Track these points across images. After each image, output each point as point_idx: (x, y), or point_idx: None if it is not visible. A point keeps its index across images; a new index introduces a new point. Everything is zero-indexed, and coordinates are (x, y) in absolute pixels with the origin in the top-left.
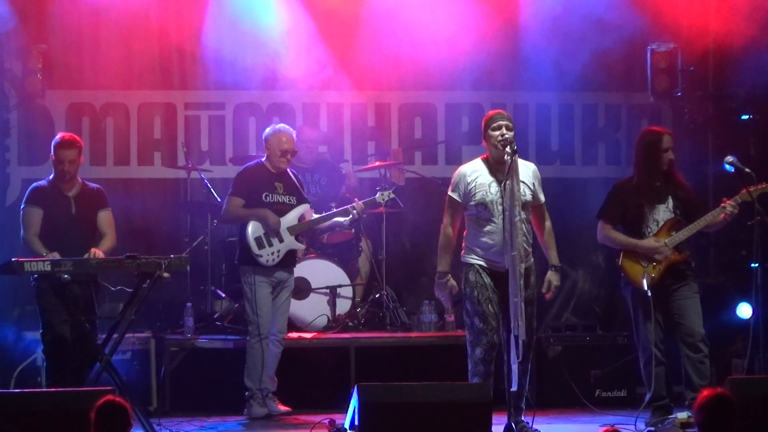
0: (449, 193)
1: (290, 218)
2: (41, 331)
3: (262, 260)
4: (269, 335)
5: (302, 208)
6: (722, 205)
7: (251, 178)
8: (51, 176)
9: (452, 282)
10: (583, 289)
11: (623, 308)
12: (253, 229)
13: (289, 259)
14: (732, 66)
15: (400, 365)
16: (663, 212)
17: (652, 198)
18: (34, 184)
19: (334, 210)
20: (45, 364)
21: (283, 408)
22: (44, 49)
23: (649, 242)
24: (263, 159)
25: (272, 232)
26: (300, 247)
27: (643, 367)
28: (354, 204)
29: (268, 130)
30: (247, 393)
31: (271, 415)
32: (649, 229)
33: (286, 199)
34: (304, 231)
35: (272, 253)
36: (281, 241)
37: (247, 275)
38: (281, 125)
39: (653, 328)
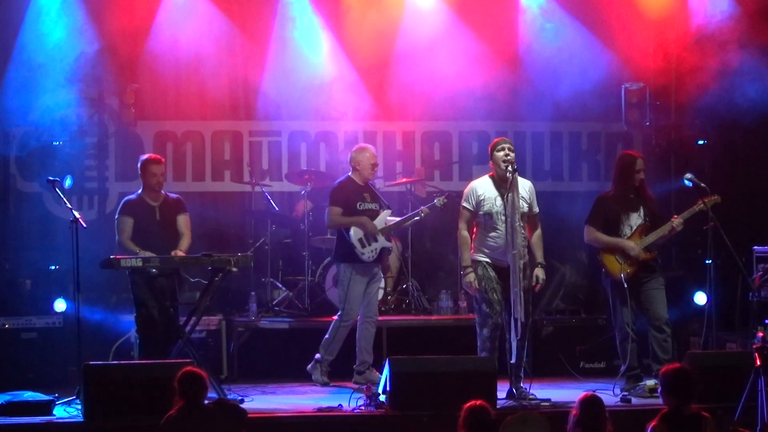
0: (462, 203)
1: (379, 221)
2: (135, 314)
3: (365, 257)
4: (366, 318)
5: (386, 213)
6: (671, 221)
7: (345, 191)
8: (139, 190)
9: (472, 275)
10: (570, 281)
11: (603, 296)
12: (354, 233)
13: (380, 256)
14: (690, 101)
15: (422, 342)
16: (635, 219)
17: (628, 208)
18: (126, 198)
19: (409, 213)
20: (137, 341)
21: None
22: (136, 88)
23: (629, 243)
24: (350, 174)
25: (371, 234)
26: (389, 245)
27: (620, 344)
28: (422, 208)
29: (353, 151)
30: (318, 357)
31: (326, 384)
32: (624, 233)
33: (372, 206)
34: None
35: (372, 251)
36: (376, 241)
37: (346, 272)
38: (364, 144)
39: (628, 313)
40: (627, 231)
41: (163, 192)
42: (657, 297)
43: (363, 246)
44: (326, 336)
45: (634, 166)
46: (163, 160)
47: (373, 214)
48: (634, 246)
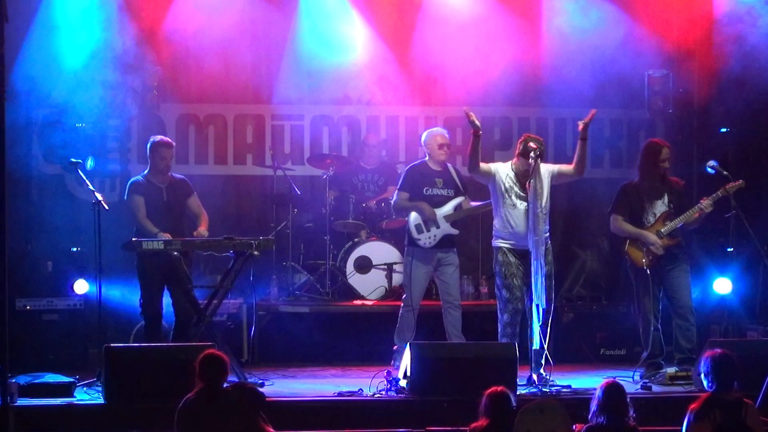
0: (490, 163)
1: (446, 208)
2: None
3: (421, 243)
4: (446, 303)
5: (458, 200)
6: (699, 203)
7: (414, 175)
8: (145, 171)
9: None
10: (591, 268)
11: (626, 283)
12: (413, 218)
13: (447, 242)
14: (713, 89)
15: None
16: (660, 206)
17: (652, 195)
18: (132, 179)
19: (486, 201)
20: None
21: None
22: (159, 71)
23: (652, 236)
24: (425, 159)
25: (429, 220)
26: (454, 232)
27: (642, 331)
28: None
29: (423, 135)
30: (395, 348)
31: None
32: (648, 220)
33: (444, 192)
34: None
35: (429, 237)
36: (438, 227)
37: (408, 257)
38: (435, 128)
39: (651, 300)
40: (651, 219)
41: (168, 173)
42: (681, 285)
43: (420, 232)
44: (397, 325)
45: (659, 155)
46: (173, 144)
47: (441, 200)
48: (656, 241)
